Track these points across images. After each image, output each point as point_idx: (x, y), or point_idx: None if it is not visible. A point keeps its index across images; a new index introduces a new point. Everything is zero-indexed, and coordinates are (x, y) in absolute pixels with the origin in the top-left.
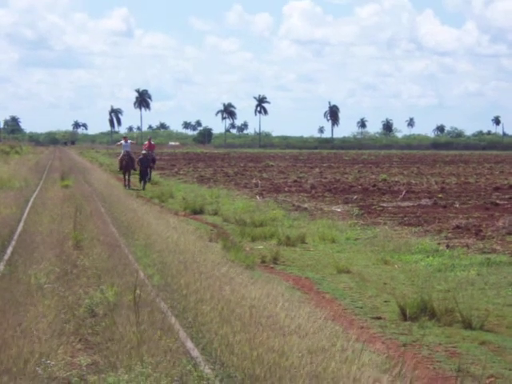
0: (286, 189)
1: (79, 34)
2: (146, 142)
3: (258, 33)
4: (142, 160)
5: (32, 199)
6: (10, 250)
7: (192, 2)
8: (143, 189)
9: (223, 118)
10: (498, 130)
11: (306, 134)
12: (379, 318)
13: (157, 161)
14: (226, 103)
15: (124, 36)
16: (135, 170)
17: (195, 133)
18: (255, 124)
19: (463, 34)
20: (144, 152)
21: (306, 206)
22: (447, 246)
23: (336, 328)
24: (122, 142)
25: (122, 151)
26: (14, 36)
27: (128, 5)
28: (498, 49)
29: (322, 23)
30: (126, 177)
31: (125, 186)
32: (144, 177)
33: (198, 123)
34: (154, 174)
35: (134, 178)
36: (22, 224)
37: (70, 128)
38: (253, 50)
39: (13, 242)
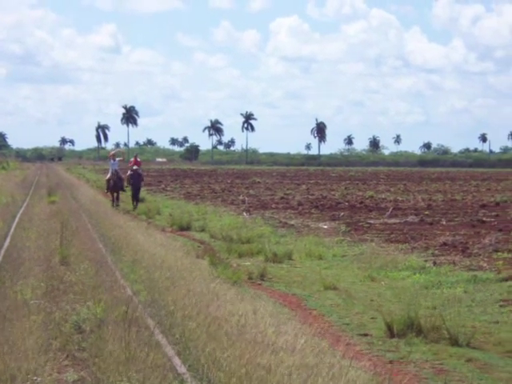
0: (273, 205)
1: (67, 49)
2: (133, 159)
3: (245, 49)
4: (132, 176)
5: (19, 215)
6: None
7: (180, 19)
8: (135, 208)
9: (210, 135)
10: (485, 147)
11: (292, 151)
12: (366, 335)
13: (144, 177)
14: (213, 120)
15: (112, 52)
16: (124, 190)
17: (182, 149)
18: (242, 141)
19: (450, 51)
20: (134, 168)
21: (292, 222)
22: (434, 263)
23: (323, 344)
24: (110, 161)
25: (110, 170)
26: (2, 52)
27: (116, 21)
28: (485, 66)
29: (310, 40)
30: (115, 196)
31: (112, 204)
32: (136, 195)
33: (185, 140)
34: (141, 191)
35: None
36: (8, 239)
37: (57, 144)
38: (240, 66)
39: None
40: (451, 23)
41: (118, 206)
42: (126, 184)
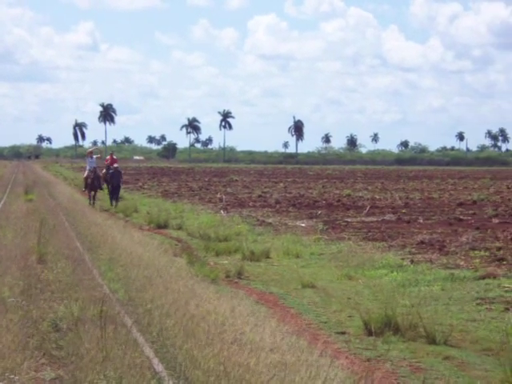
0: (251, 203)
1: (45, 48)
2: (108, 157)
3: (223, 48)
4: (112, 175)
5: None
6: None
7: (158, 17)
8: (115, 206)
9: (188, 133)
10: (462, 145)
11: (270, 149)
12: (343, 333)
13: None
14: (191, 118)
15: (89, 50)
16: (101, 189)
17: (160, 147)
18: (220, 139)
19: (428, 50)
20: (115, 166)
21: (270, 220)
22: (411, 261)
23: (301, 343)
24: (87, 158)
25: (87, 168)
26: None
27: (94, 19)
28: (462, 65)
29: (287, 38)
30: (92, 195)
31: (90, 203)
32: (115, 194)
33: (163, 138)
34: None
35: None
36: None
37: (34, 142)
38: (218, 64)
39: None
40: (429, 22)
41: (94, 204)
42: (103, 182)
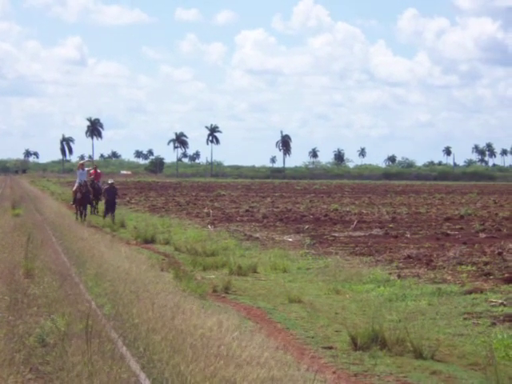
0: (238, 218)
1: (32, 62)
2: (92, 171)
3: (211, 62)
4: (108, 190)
5: None
6: None
7: (145, 31)
8: (113, 222)
9: (175, 148)
10: (449, 160)
11: (257, 164)
12: (330, 348)
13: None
14: (178, 132)
15: (77, 64)
16: (91, 204)
17: (147, 162)
18: (207, 153)
19: (415, 65)
20: (110, 181)
21: (257, 235)
22: (398, 276)
23: (287, 357)
24: (78, 171)
25: (77, 181)
26: None
27: (81, 33)
28: (449, 80)
29: (275, 53)
30: (81, 210)
31: (77, 217)
32: (111, 210)
33: (150, 152)
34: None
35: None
36: None
37: (21, 156)
38: (206, 79)
39: None
40: (416, 37)
41: (84, 219)
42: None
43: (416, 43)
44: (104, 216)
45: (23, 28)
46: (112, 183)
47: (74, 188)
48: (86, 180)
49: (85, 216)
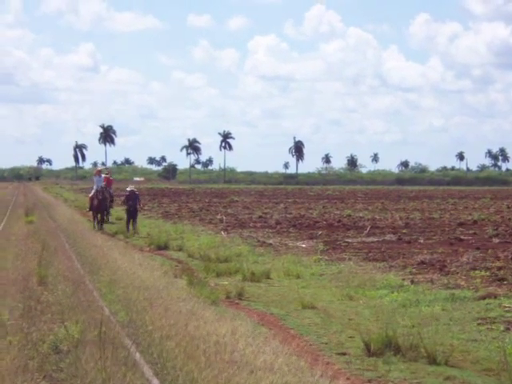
0: (251, 224)
1: (45, 69)
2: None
3: (223, 68)
4: (128, 198)
5: None
6: None
7: (158, 38)
8: (134, 232)
9: (188, 154)
10: (462, 165)
11: (270, 170)
12: (344, 354)
13: (115, 198)
14: (191, 139)
15: (90, 71)
16: (108, 212)
17: (160, 168)
18: (220, 160)
19: (428, 70)
20: (130, 188)
21: (271, 241)
22: (412, 282)
23: (301, 364)
24: (95, 177)
25: (95, 187)
26: None
27: (94, 40)
28: (462, 85)
29: (288, 59)
30: (98, 218)
31: (94, 226)
32: (133, 217)
33: (163, 159)
34: (119, 210)
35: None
36: None
37: (35, 164)
38: (218, 85)
39: None
40: (428, 42)
41: (101, 227)
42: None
43: (428, 48)
44: (126, 225)
45: (36, 35)
46: (132, 189)
47: (91, 194)
48: (103, 186)
49: (102, 223)
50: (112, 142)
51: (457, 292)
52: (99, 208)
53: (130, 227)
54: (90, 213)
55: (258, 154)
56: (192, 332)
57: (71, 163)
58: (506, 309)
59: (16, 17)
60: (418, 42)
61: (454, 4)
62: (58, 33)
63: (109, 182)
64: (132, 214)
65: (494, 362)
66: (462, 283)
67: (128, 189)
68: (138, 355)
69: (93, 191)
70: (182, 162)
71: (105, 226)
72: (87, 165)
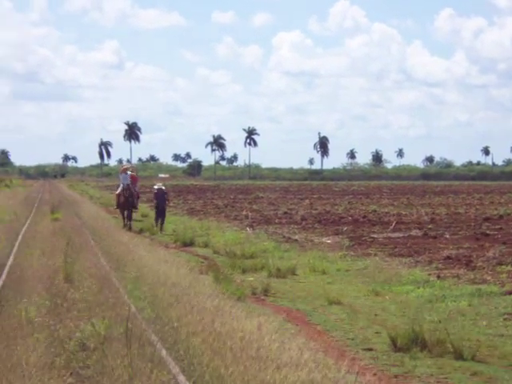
0: (277, 220)
1: (69, 67)
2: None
3: (248, 65)
4: (157, 196)
5: (22, 232)
6: None
7: (182, 34)
8: (160, 230)
9: (213, 150)
10: (488, 160)
11: (295, 166)
12: (370, 350)
13: (141, 195)
14: (216, 135)
15: (114, 68)
16: (136, 208)
17: (185, 165)
18: (245, 156)
19: (453, 64)
20: (158, 186)
21: (296, 237)
22: (438, 277)
23: (327, 360)
24: (121, 174)
25: (121, 185)
26: (5, 69)
27: (118, 37)
28: (487, 79)
29: (312, 55)
30: (126, 215)
31: (124, 225)
32: (161, 215)
33: (188, 155)
34: (144, 207)
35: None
36: (12, 257)
37: (60, 161)
38: (243, 81)
39: (3, 276)
40: (453, 36)
41: (129, 226)
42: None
43: (453, 43)
44: (155, 222)
45: (61, 33)
46: (161, 187)
47: (118, 192)
48: (130, 184)
49: (130, 219)
50: (137, 138)
51: (483, 287)
52: (126, 205)
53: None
54: (117, 210)
55: (283, 150)
56: (218, 328)
57: (96, 160)
58: None
59: (41, 15)
60: (443, 37)
61: None
62: (83, 30)
63: (134, 179)
64: (160, 213)
65: None
66: (489, 278)
67: (156, 187)
68: (164, 352)
69: (119, 188)
70: (207, 158)
71: (132, 222)
72: (112, 162)
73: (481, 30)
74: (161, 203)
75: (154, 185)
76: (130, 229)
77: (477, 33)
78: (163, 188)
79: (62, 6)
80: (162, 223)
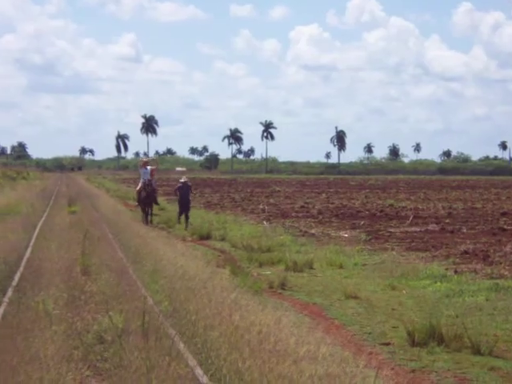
0: (293, 214)
1: (87, 59)
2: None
3: (265, 58)
4: (180, 189)
5: (39, 225)
6: (17, 277)
7: (200, 27)
8: (186, 227)
9: (230, 144)
10: (505, 155)
11: (312, 160)
12: (388, 344)
13: (159, 188)
14: (233, 128)
15: (132, 61)
16: (157, 203)
17: (202, 158)
18: (262, 149)
19: (470, 58)
20: (183, 180)
21: (313, 231)
22: (455, 272)
23: (345, 354)
24: (141, 169)
25: (141, 180)
26: (22, 61)
27: (136, 30)
28: (505, 74)
29: (330, 48)
30: (147, 210)
31: (146, 222)
32: (185, 210)
33: (205, 149)
34: (161, 200)
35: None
36: (29, 250)
37: (77, 154)
38: (260, 75)
39: (21, 268)
40: (471, 31)
41: (151, 222)
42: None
43: (471, 37)
44: (178, 218)
45: (78, 26)
46: (185, 181)
47: (138, 187)
48: (151, 179)
49: (151, 215)
50: (154, 132)
51: (501, 282)
52: (147, 200)
53: (182, 219)
54: (138, 206)
55: (300, 144)
56: (235, 322)
57: (113, 153)
58: None
59: (58, 7)
60: (461, 31)
61: None
62: (100, 23)
63: (151, 172)
64: (184, 207)
65: None
66: (506, 273)
67: (182, 180)
68: (181, 345)
69: (140, 184)
70: (224, 151)
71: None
72: (129, 155)
73: (499, 25)
74: (185, 197)
75: (181, 178)
76: (149, 223)
77: (495, 27)
78: (188, 182)
79: None
80: (187, 218)
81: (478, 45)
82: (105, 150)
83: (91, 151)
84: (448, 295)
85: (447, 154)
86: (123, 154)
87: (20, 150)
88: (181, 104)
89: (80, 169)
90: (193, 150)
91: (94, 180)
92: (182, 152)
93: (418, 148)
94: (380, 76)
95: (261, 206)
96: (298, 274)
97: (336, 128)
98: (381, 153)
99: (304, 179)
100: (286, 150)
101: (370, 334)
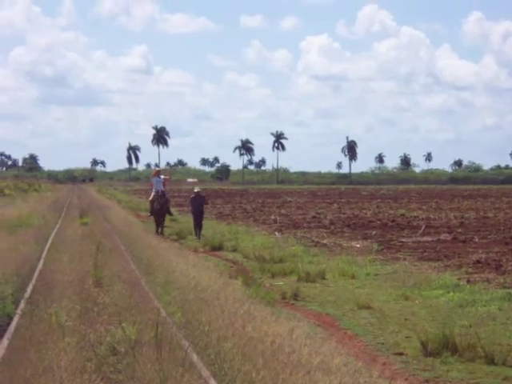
0: (305, 225)
1: (98, 71)
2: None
3: (276, 69)
4: (194, 200)
5: (51, 237)
6: (30, 289)
7: (210, 39)
8: (199, 238)
9: (241, 155)
10: None
11: (323, 170)
12: (401, 354)
13: (171, 199)
14: (244, 139)
15: (142, 73)
16: (171, 214)
17: (213, 169)
18: (273, 160)
19: (481, 68)
20: (197, 190)
21: (325, 241)
22: (468, 281)
23: (359, 364)
24: (154, 178)
25: (154, 190)
26: (33, 74)
27: (147, 42)
28: None
29: (340, 59)
30: (159, 221)
31: (156, 233)
32: (198, 221)
33: (216, 160)
34: (173, 211)
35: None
36: (41, 262)
37: (88, 165)
38: (271, 86)
39: (33, 280)
40: (482, 40)
41: (162, 234)
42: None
43: (482, 46)
44: (194, 230)
45: (89, 38)
46: (198, 191)
47: (151, 198)
48: (164, 189)
49: (162, 227)
50: (165, 143)
51: None
52: (161, 211)
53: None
54: (151, 217)
55: (311, 154)
56: (249, 333)
57: (125, 165)
58: None
59: (69, 19)
60: (471, 41)
61: (506, 2)
62: (111, 35)
63: (164, 181)
64: (197, 218)
65: None
66: None
67: (195, 190)
68: (195, 356)
69: (152, 194)
70: (235, 162)
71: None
72: (141, 166)
73: (510, 34)
74: (198, 208)
75: (194, 189)
76: (161, 234)
77: (505, 36)
78: (201, 192)
79: (90, 10)
80: (200, 229)
81: (489, 54)
82: (116, 162)
83: (102, 163)
84: (461, 305)
85: (458, 163)
86: (134, 165)
87: (31, 162)
88: (191, 115)
89: (91, 180)
90: (204, 161)
91: (106, 191)
92: (193, 163)
93: (429, 158)
94: (391, 86)
95: (272, 217)
96: (311, 285)
97: (347, 138)
98: (392, 163)
99: (315, 189)
100: (297, 160)
101: (383, 344)
